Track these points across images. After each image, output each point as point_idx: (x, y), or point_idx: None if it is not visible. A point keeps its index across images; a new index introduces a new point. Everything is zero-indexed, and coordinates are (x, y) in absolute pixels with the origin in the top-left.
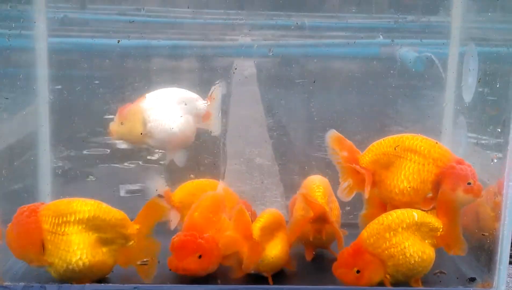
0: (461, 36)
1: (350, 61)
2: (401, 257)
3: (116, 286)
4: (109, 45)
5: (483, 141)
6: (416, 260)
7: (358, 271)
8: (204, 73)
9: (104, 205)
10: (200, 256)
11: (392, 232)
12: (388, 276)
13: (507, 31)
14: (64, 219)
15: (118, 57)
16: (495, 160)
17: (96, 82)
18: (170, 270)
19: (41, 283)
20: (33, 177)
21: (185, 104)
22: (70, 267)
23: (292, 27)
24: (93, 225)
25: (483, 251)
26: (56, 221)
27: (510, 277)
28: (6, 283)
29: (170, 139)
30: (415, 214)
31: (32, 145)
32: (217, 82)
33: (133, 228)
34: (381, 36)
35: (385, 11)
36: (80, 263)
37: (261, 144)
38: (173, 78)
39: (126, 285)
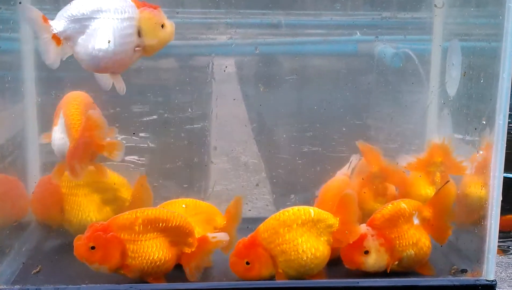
0: (444, 32)
1: (330, 58)
2: (293, 253)
3: (112, 286)
4: None
5: (468, 134)
6: (309, 256)
7: (247, 263)
8: (185, 72)
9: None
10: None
11: (286, 228)
12: (281, 271)
13: (488, 26)
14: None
15: None
16: (481, 152)
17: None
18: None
19: (37, 286)
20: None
21: None
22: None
23: (281, 24)
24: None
25: (472, 241)
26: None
27: (498, 266)
28: (1, 287)
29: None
30: (312, 211)
31: (21, 144)
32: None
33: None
34: (358, 33)
35: (368, 8)
36: (88, 219)
37: (246, 141)
38: (154, 78)
39: (121, 285)
